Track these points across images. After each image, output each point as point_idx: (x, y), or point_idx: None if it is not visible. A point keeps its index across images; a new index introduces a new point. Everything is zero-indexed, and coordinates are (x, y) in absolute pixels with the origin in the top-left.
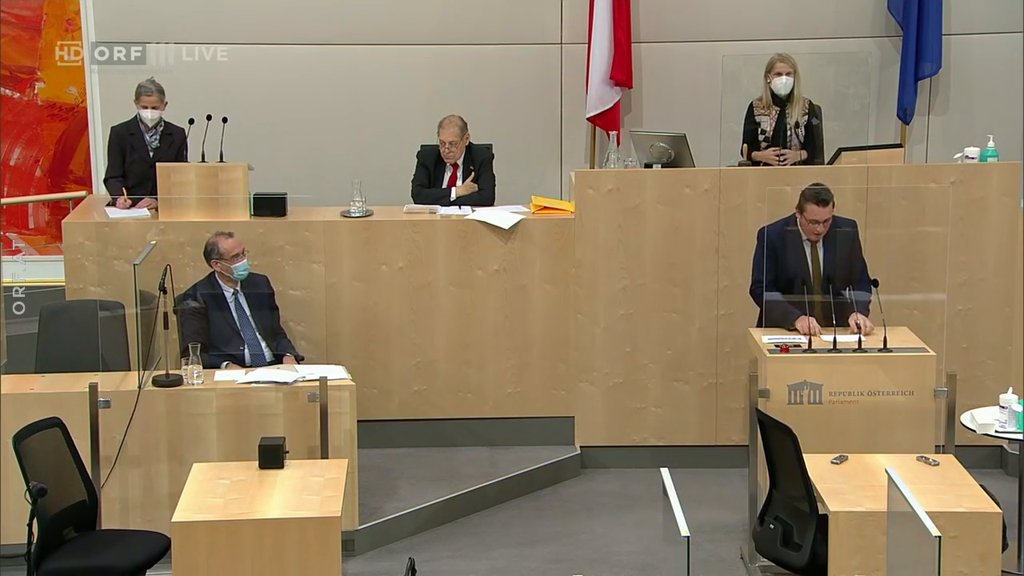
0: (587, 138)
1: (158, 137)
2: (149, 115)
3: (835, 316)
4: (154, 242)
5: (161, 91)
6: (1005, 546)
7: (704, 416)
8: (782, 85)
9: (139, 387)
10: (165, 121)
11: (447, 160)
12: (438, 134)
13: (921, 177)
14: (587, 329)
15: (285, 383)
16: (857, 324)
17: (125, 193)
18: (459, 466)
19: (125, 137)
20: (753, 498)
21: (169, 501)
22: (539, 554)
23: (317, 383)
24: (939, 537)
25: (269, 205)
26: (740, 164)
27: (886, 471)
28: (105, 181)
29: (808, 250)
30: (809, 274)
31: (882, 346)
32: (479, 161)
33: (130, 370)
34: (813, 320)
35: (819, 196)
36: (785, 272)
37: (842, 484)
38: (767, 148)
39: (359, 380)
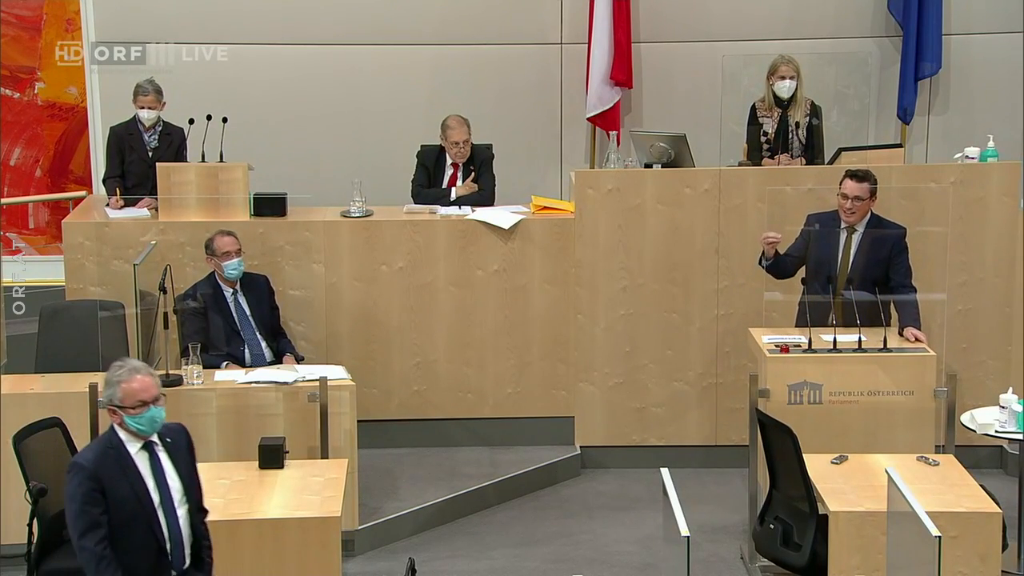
0: (587, 138)
1: (156, 137)
2: (146, 115)
3: (838, 316)
4: (154, 242)
5: (159, 91)
6: (1005, 546)
7: (704, 416)
8: (785, 89)
9: None
10: (164, 121)
11: (456, 160)
12: (445, 136)
13: (921, 177)
14: (587, 329)
15: (285, 383)
16: (915, 337)
17: (118, 193)
18: (459, 466)
19: (124, 137)
20: (753, 498)
21: None
22: (539, 554)
23: (317, 383)
24: (939, 537)
25: (269, 205)
26: (740, 164)
27: (886, 471)
28: (103, 181)
29: (842, 240)
30: (836, 266)
31: (882, 346)
32: (479, 161)
33: None
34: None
35: (856, 171)
36: (813, 256)
37: (842, 484)
38: (768, 150)
39: (359, 380)
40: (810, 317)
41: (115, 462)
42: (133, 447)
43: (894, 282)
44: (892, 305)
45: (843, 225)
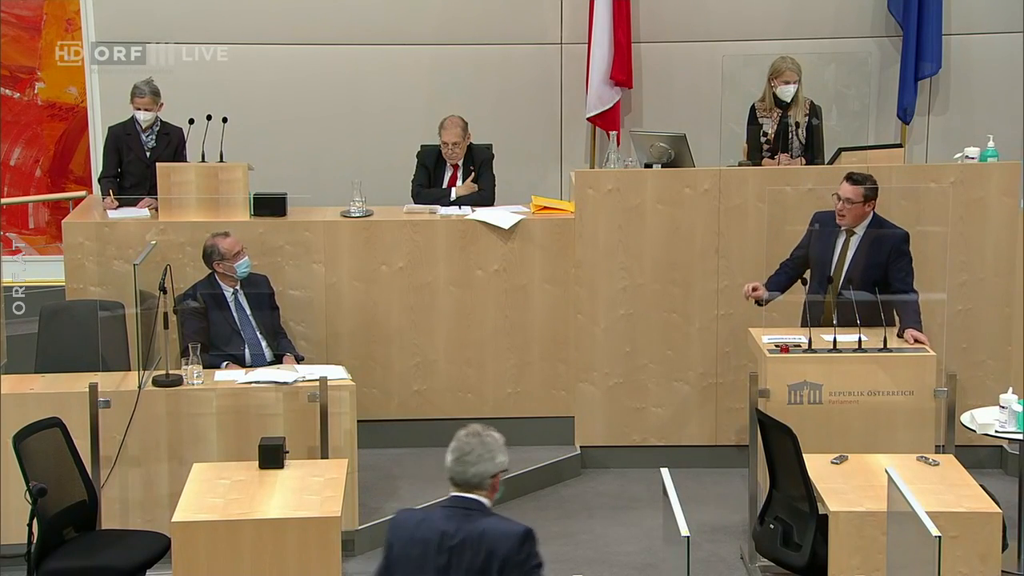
0: (587, 138)
1: (154, 137)
2: (143, 116)
3: (838, 316)
4: (154, 242)
5: (156, 92)
6: (1005, 546)
7: (704, 416)
8: (788, 93)
9: (139, 387)
10: (162, 121)
11: (449, 161)
12: (439, 135)
13: (921, 177)
14: (587, 329)
15: (285, 383)
16: (914, 338)
17: (112, 194)
18: None
19: (122, 137)
20: (753, 498)
21: (169, 501)
22: None
23: (317, 383)
24: (939, 537)
25: (269, 205)
26: (740, 164)
27: (886, 471)
28: (98, 180)
29: (840, 242)
30: (832, 266)
31: (882, 346)
32: (479, 161)
33: (130, 370)
34: (755, 284)
35: (855, 174)
36: (813, 255)
37: (842, 484)
38: (768, 150)
39: (359, 380)
40: (809, 316)
41: None
42: None
43: (893, 286)
44: (894, 308)
45: (839, 225)
